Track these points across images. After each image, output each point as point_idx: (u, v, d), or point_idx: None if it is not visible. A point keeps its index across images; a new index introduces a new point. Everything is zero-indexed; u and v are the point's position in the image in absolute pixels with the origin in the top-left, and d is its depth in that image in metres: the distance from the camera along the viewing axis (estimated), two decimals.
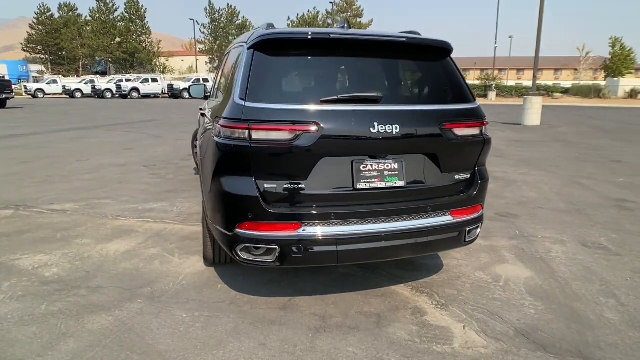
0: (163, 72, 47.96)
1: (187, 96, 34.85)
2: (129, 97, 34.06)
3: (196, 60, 47.48)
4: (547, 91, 37.64)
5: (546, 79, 59.63)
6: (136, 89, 34.96)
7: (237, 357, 2.17)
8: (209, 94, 4.99)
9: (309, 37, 2.41)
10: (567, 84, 48.07)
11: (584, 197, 5.32)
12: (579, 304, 2.74)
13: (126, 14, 49.42)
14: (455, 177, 2.60)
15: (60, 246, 3.58)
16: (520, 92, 36.24)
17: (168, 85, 36.69)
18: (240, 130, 2.25)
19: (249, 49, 2.44)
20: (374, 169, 2.39)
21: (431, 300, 2.77)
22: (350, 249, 2.35)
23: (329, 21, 44.49)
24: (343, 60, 2.50)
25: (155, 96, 36.45)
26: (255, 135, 2.22)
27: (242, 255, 2.39)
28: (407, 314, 2.60)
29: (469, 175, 2.65)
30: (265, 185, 2.30)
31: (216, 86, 4.36)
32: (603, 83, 41.12)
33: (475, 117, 2.56)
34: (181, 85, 36.34)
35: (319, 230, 2.32)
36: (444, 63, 2.62)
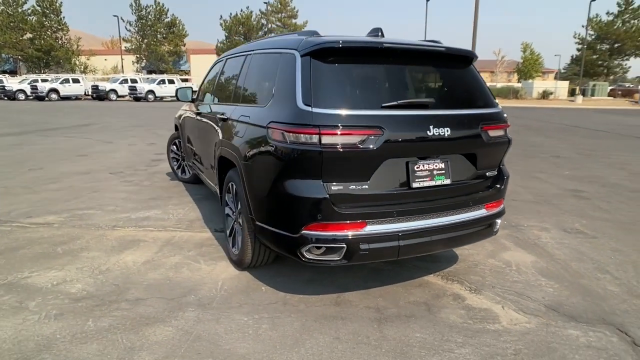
0: (84, 72, 44.51)
1: (114, 97, 33.05)
2: (46, 99, 31.24)
3: (122, 59, 44.71)
4: None
5: None
6: (55, 90, 32.09)
7: (320, 352, 2.26)
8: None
9: (363, 45, 2.56)
10: None
11: (545, 189, 5.97)
12: (584, 280, 3.16)
13: (38, 7, 45.12)
14: (487, 174, 2.90)
15: (69, 261, 3.37)
16: None
17: (92, 86, 34.21)
18: (308, 135, 2.34)
19: (303, 55, 2.53)
20: (425, 168, 2.60)
21: (463, 287, 3.04)
22: (410, 244, 2.54)
23: (263, 21, 44.22)
24: (392, 67, 2.68)
25: (77, 98, 33.81)
26: (326, 139, 2.33)
27: (307, 256, 2.48)
28: (450, 300, 2.84)
29: (496, 172, 2.96)
30: (332, 187, 2.42)
31: (211, 90, 4.32)
32: (517, 85, 45.05)
33: (502, 120, 2.87)
34: (107, 86, 34.05)
35: (383, 228, 2.48)
36: (470, 70, 2.90)
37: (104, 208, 4.81)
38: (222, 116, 3.52)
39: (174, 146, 6.17)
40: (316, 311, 2.68)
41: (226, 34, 44.12)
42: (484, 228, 2.87)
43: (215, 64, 4.77)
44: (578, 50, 50.03)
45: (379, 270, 3.26)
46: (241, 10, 44.00)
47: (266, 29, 44.46)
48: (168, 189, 5.77)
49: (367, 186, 2.47)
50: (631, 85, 53.52)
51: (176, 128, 6.23)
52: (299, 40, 2.66)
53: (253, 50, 3.47)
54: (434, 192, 2.65)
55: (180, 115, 5.67)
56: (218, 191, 3.75)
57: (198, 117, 4.54)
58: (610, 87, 47.30)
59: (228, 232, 3.45)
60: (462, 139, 2.64)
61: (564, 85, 43.44)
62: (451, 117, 2.62)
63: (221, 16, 47.89)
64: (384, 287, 3.02)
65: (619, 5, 46.56)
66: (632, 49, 46.58)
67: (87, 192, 5.48)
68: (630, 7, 46.13)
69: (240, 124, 3.03)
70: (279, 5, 43.74)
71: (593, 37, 48.26)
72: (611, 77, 52.80)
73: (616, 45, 47.46)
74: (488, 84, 2.98)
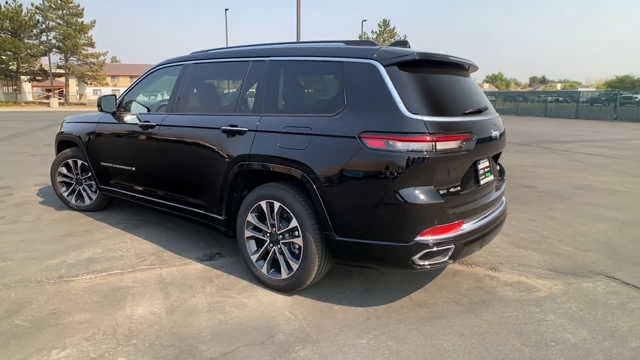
0: None
1: None
2: None
3: None
4: None
5: None
6: None
7: (468, 351, 2.34)
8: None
9: (437, 59, 2.71)
10: None
11: None
12: (544, 246, 4.03)
13: None
14: (498, 168, 3.41)
15: (59, 334, 2.44)
16: None
17: None
18: (425, 143, 2.38)
19: (388, 65, 2.53)
20: (482, 167, 2.93)
21: (484, 268, 3.49)
22: (487, 236, 2.83)
23: (39, 17, 36.72)
24: (451, 77, 2.87)
25: None
26: (440, 145, 2.41)
27: (420, 262, 2.50)
28: (490, 281, 3.25)
29: (499, 167, 3.50)
30: (440, 191, 2.51)
31: (175, 100, 3.69)
32: None
33: None
34: None
35: (473, 224, 2.70)
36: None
37: (11, 257, 3.53)
38: (231, 128, 3.09)
39: (64, 168, 4.88)
40: (412, 317, 2.70)
41: None
42: (505, 215, 3.37)
43: (154, 70, 4.05)
44: None
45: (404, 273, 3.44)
46: (6, 3, 35.48)
47: (43, 26, 37.23)
48: (69, 221, 4.55)
49: (459, 187, 2.65)
50: None
51: (62, 146, 4.97)
52: (371, 50, 2.63)
53: (260, 57, 3.14)
54: (487, 188, 3.00)
55: (84, 130, 4.55)
56: (223, 213, 3.26)
57: (145, 131, 3.78)
58: None
59: (255, 257, 3.07)
60: (500, 138, 3.06)
61: None
62: (497, 120, 3.03)
63: None
64: (431, 282, 3.22)
65: (379, 26, 56.53)
66: None
67: None
68: (387, 29, 56.58)
69: (294, 135, 2.75)
70: (59, 1, 37.12)
71: None
72: None
73: None
74: None
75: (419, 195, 2.43)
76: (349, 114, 2.60)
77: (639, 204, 5.70)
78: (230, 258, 3.59)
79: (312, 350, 2.33)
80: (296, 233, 2.82)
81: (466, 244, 2.63)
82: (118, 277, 3.20)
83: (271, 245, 2.99)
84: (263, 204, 2.95)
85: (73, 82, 44.53)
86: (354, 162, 2.51)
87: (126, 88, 4.31)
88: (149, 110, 4.18)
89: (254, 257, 3.08)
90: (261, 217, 3.03)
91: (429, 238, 2.47)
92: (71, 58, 39.79)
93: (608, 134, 16.66)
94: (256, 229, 3.07)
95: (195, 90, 3.67)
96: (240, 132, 3.05)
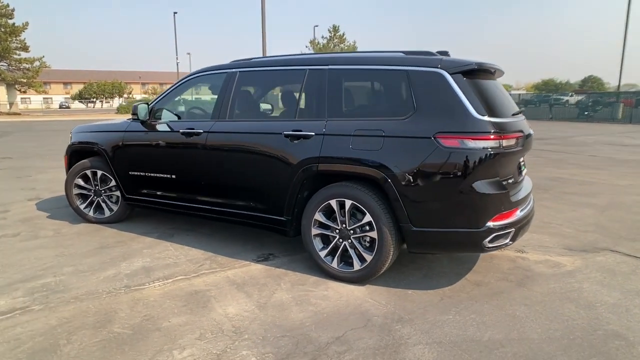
0: None
1: None
2: None
3: None
4: None
5: None
6: None
7: (537, 317, 2.72)
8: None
9: (489, 67, 3.10)
10: None
11: None
12: (551, 229, 4.58)
13: None
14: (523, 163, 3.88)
15: (168, 337, 2.53)
16: None
17: None
18: (491, 141, 2.75)
19: (453, 73, 2.88)
20: (521, 161, 3.36)
21: (512, 251, 3.94)
22: (529, 222, 3.25)
23: None
24: (494, 83, 3.28)
25: None
26: (505, 142, 2.80)
27: (489, 245, 2.87)
28: (522, 261, 3.70)
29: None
30: (503, 182, 2.90)
31: (221, 107, 3.80)
32: None
33: None
34: None
35: (522, 211, 3.11)
36: None
37: (59, 271, 3.47)
38: (295, 133, 3.29)
39: (80, 179, 4.77)
40: (478, 294, 3.06)
41: None
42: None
43: (190, 79, 4.13)
44: None
45: (449, 258, 3.82)
46: None
47: None
48: (93, 233, 4.48)
49: (513, 178, 3.05)
50: None
51: (74, 157, 4.84)
52: (436, 60, 2.96)
53: (318, 66, 3.36)
54: (523, 179, 3.44)
55: (108, 139, 4.50)
56: (285, 214, 3.44)
57: (190, 139, 3.86)
58: None
59: (324, 253, 3.29)
60: (532, 136, 3.51)
61: None
62: (525, 121, 3.48)
63: None
64: (476, 265, 3.61)
65: (329, 31, 57.86)
66: None
67: None
68: (337, 34, 58.00)
69: (366, 137, 3.01)
70: None
71: None
72: None
73: None
74: None
75: (489, 186, 2.80)
76: (419, 116, 2.91)
77: (607, 191, 6.51)
78: (285, 257, 3.77)
79: (411, 328, 2.61)
80: (367, 227, 3.08)
81: (521, 227, 3.04)
82: (186, 282, 3.28)
83: (341, 240, 3.22)
84: (333, 202, 3.18)
85: (2, 90, 41.03)
86: (431, 160, 2.83)
87: (157, 95, 4.34)
88: (179, 118, 4.24)
89: (322, 253, 3.30)
90: (328, 214, 3.26)
91: (497, 223, 2.84)
92: (1, 63, 36.73)
93: (553, 132, 18.25)
94: (322, 226, 3.29)
95: (244, 98, 3.81)
96: (306, 137, 3.26)
